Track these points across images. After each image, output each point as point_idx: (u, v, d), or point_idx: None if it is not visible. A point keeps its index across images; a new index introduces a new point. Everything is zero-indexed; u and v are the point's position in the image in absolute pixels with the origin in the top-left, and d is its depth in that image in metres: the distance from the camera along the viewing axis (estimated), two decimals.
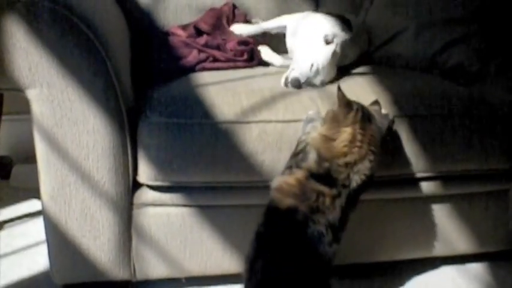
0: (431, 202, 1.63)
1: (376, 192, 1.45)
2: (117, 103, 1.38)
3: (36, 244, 1.78)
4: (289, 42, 1.83)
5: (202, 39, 1.81)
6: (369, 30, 1.95)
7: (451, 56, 1.78)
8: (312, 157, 1.29)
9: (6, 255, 1.75)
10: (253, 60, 1.81)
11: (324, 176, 1.28)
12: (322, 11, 1.92)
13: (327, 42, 1.63)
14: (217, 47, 1.80)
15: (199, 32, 1.85)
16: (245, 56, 1.78)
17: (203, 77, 1.65)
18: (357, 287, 1.65)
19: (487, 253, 1.75)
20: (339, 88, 1.31)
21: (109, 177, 1.42)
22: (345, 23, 1.79)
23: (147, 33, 1.88)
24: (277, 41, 1.89)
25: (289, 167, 1.33)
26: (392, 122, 1.48)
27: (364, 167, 1.30)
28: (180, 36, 1.84)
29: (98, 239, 1.46)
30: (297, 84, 1.55)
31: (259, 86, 1.59)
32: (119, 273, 1.51)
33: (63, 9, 1.30)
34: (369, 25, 1.97)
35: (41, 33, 1.29)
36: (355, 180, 1.29)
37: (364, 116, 1.32)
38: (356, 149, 1.29)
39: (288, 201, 1.26)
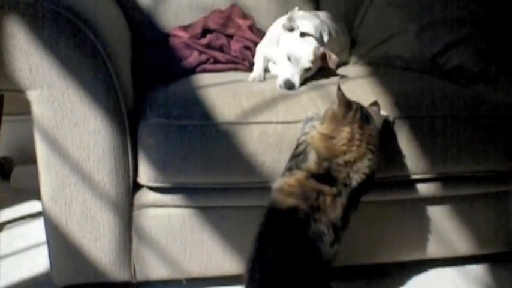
0: (432, 203, 1.63)
1: (376, 193, 1.45)
2: (118, 104, 1.38)
3: (37, 245, 1.78)
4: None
5: (205, 40, 1.81)
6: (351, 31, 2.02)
7: (452, 57, 1.78)
8: (311, 158, 1.30)
9: (6, 256, 1.75)
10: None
11: (324, 176, 1.28)
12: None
13: (289, 30, 1.65)
14: (220, 48, 1.80)
15: (204, 32, 1.85)
16: (247, 64, 1.78)
17: (204, 79, 1.65)
18: None
19: (487, 255, 1.75)
20: (339, 88, 1.32)
21: (109, 178, 1.42)
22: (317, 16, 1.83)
23: (147, 35, 1.88)
24: None
25: (289, 169, 1.34)
26: (393, 123, 1.48)
27: (363, 166, 1.30)
28: (181, 37, 1.84)
29: (98, 240, 1.46)
30: (289, 85, 1.58)
31: (259, 87, 1.59)
32: (119, 274, 1.51)
33: (64, 10, 1.30)
34: (367, 23, 1.98)
35: (42, 35, 1.29)
36: (355, 179, 1.30)
37: (363, 116, 1.33)
38: (355, 148, 1.30)
39: (289, 201, 1.27)
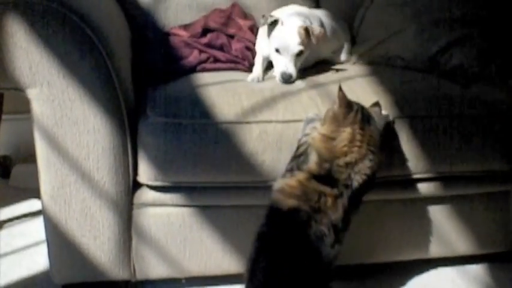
0: (431, 203, 1.63)
1: (376, 193, 1.45)
2: (118, 103, 1.38)
3: (36, 244, 1.78)
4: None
5: (205, 39, 1.81)
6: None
7: (452, 56, 1.77)
8: (312, 159, 1.30)
9: (6, 254, 1.75)
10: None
11: (325, 177, 1.28)
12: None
13: (270, 24, 1.65)
14: (220, 47, 1.80)
15: (204, 32, 1.85)
16: (247, 64, 1.78)
17: (204, 78, 1.65)
18: None
19: (486, 254, 1.75)
20: (340, 88, 1.32)
21: (109, 177, 1.42)
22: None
23: (147, 33, 1.88)
24: None
25: (290, 169, 1.33)
26: (393, 122, 1.48)
27: (364, 167, 1.30)
28: (181, 36, 1.84)
29: (97, 239, 1.46)
30: (286, 76, 1.59)
31: (259, 86, 1.60)
32: (118, 273, 1.51)
33: (64, 8, 1.30)
34: (367, 23, 1.98)
35: (42, 33, 1.29)
36: (357, 180, 1.30)
37: (364, 117, 1.33)
38: (356, 149, 1.30)
39: (290, 202, 1.27)
